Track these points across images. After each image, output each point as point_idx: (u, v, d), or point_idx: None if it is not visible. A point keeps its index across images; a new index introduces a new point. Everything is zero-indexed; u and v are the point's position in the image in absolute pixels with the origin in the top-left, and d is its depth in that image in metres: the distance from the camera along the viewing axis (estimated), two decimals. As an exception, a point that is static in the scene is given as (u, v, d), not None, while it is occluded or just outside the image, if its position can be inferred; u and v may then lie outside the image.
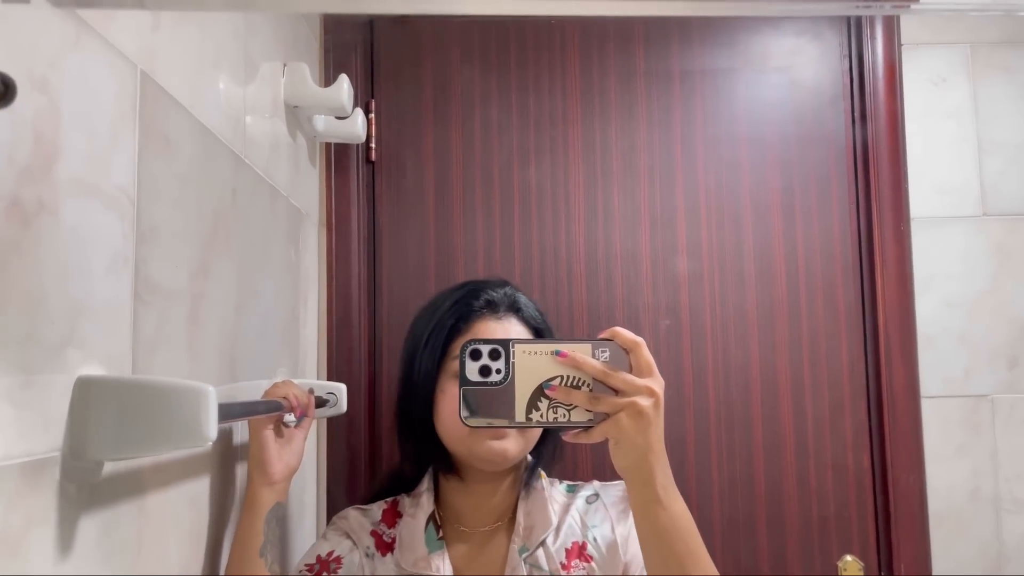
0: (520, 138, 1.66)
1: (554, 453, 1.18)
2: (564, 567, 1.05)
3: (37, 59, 0.62)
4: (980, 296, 1.66)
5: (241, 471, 1.10)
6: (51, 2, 0.50)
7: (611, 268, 1.64)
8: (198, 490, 0.94)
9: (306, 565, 1.11)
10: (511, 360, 0.79)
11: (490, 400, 0.79)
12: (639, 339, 0.81)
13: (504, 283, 1.16)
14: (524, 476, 1.13)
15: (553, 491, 1.15)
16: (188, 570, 0.90)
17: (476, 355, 0.79)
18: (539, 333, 1.13)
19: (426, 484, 1.14)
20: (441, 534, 1.09)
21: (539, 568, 1.05)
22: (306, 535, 1.46)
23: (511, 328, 1.10)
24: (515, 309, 1.12)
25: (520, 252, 1.64)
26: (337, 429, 1.56)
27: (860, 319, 1.63)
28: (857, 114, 1.66)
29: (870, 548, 1.59)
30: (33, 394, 0.61)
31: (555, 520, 1.10)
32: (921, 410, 1.60)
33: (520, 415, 0.79)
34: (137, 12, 0.79)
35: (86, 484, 0.68)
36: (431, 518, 1.11)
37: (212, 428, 0.69)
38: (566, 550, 1.07)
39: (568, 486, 1.18)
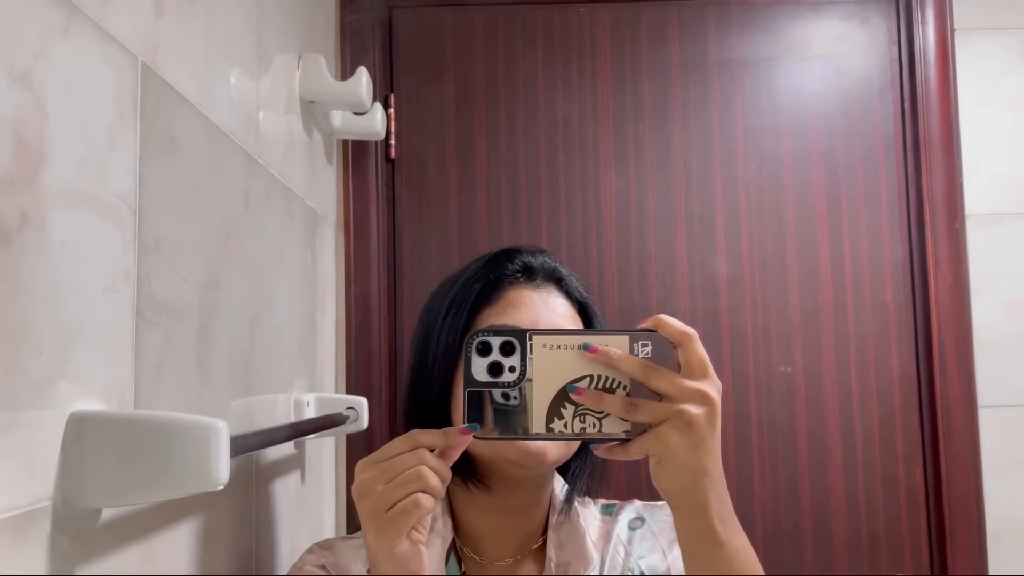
0: (548, 133, 1.57)
1: (595, 468, 0.97)
2: None
3: (19, 50, 0.53)
4: (1040, 298, 1.55)
5: (260, 495, 1.02)
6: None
7: (645, 270, 1.54)
8: (211, 524, 0.86)
9: None
10: (528, 355, 0.65)
11: (502, 405, 0.65)
12: (690, 330, 0.66)
13: (543, 251, 0.94)
14: (561, 495, 0.95)
15: (587, 514, 0.97)
16: (200, 613, 0.82)
17: (485, 349, 0.65)
18: (585, 311, 0.92)
19: (440, 503, 0.91)
20: (463, 568, 0.91)
21: None
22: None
23: (552, 300, 0.89)
24: (555, 279, 0.91)
25: (548, 254, 1.54)
26: (357, 446, 1.47)
27: (911, 323, 1.53)
28: (907, 104, 1.56)
29: (923, 567, 1.50)
30: (17, 438, 0.53)
31: (595, 556, 0.92)
32: (978, 420, 1.50)
33: (539, 424, 0.64)
34: (137, -3, 0.70)
35: (82, 534, 0.60)
36: (452, 548, 0.90)
37: (224, 470, 0.60)
38: None
39: (603, 507, 1.00)
